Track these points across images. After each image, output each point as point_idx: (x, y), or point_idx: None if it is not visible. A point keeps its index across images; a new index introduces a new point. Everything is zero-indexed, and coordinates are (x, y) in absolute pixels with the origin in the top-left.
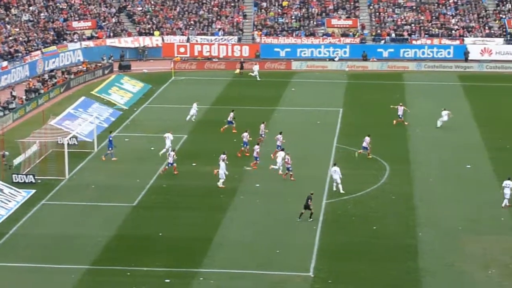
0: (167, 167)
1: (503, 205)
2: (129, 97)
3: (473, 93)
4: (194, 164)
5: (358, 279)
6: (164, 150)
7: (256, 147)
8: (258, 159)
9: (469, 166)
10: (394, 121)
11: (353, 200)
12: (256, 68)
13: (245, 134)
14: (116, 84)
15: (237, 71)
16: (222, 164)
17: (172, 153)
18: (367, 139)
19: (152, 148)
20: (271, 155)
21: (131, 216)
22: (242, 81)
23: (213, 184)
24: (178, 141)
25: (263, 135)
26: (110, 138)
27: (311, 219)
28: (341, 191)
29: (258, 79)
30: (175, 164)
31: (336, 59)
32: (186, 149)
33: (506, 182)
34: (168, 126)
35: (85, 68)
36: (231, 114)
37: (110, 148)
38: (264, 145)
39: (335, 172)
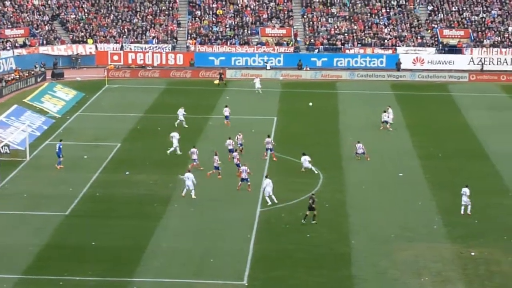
0: (213, 171)
1: (462, 212)
2: (62, 105)
3: (405, 102)
4: (127, 173)
5: (291, 287)
6: (172, 149)
7: (235, 154)
8: (240, 165)
9: (401, 174)
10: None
11: (287, 208)
12: (257, 80)
13: (229, 141)
14: (49, 92)
15: (216, 81)
16: (190, 175)
17: (216, 157)
18: (361, 145)
19: (85, 157)
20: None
21: (63, 225)
22: (176, 89)
23: (146, 193)
24: (112, 149)
25: (241, 145)
26: (60, 146)
27: (314, 221)
28: (275, 201)
29: (260, 92)
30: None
31: (268, 67)
32: (120, 157)
33: (464, 190)
34: (101, 134)
35: (17, 76)
36: (227, 109)
37: (60, 156)
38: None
39: (268, 185)
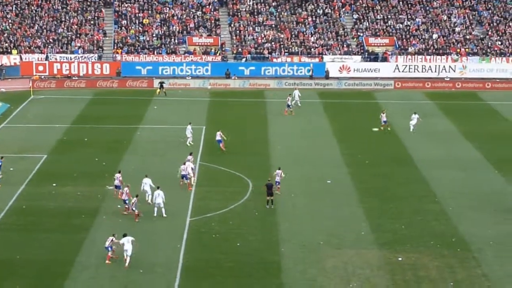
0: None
1: None
2: None
3: (333, 110)
4: (54, 185)
5: None
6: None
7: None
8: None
9: (329, 181)
10: (378, 128)
11: (216, 217)
12: (296, 92)
13: (118, 175)
14: None
15: (158, 91)
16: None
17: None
18: (280, 172)
19: (11, 169)
20: None
21: None
22: (103, 99)
23: (74, 205)
24: (38, 161)
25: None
26: (0, 163)
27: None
28: (164, 215)
29: (299, 105)
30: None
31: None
32: (46, 169)
33: None
34: (27, 146)
35: None
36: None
37: None
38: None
39: (159, 195)
